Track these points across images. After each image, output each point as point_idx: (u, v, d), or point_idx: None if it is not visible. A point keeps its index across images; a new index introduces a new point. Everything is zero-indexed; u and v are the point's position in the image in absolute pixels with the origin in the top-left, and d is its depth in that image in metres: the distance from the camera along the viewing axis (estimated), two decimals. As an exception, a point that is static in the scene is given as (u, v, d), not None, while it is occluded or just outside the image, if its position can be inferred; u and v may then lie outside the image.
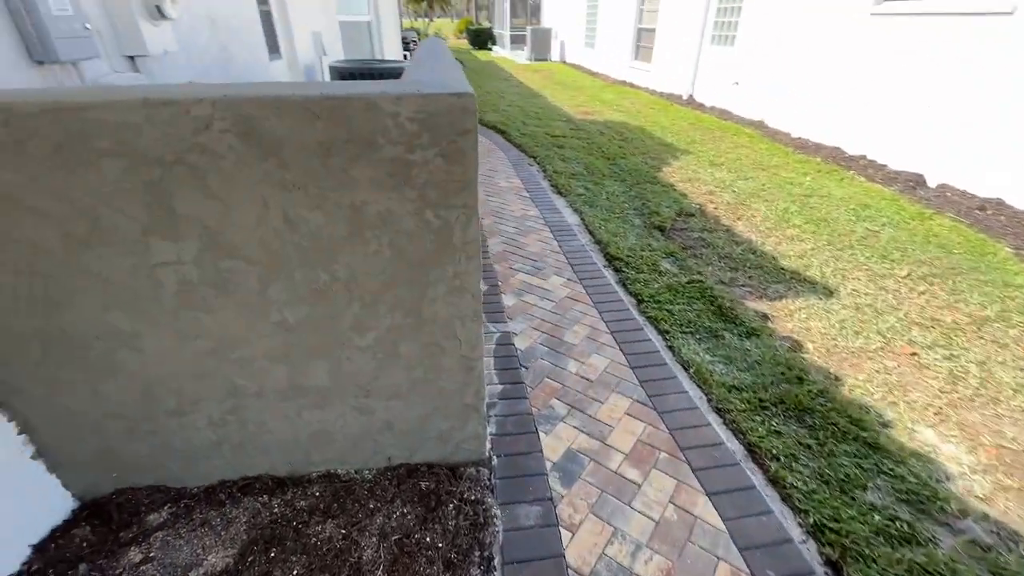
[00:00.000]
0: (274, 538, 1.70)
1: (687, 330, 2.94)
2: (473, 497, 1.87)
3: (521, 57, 20.29)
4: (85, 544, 1.67)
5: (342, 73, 5.56)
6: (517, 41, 22.13)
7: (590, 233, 4.30)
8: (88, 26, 1.91)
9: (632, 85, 13.13)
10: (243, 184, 1.32)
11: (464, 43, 29.61)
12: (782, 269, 3.76)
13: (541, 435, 2.17)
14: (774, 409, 2.35)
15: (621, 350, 2.72)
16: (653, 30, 12.20)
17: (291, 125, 1.26)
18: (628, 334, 2.86)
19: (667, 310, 3.12)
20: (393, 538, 1.70)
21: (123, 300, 1.44)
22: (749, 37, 8.79)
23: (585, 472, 2.00)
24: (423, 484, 1.90)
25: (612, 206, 4.91)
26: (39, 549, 1.63)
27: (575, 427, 2.22)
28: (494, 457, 2.05)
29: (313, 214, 1.39)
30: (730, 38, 9.32)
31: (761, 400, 2.39)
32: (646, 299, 3.23)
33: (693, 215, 4.79)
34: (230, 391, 1.67)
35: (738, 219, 4.72)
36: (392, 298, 1.57)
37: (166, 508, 1.80)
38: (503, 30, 23.82)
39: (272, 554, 1.66)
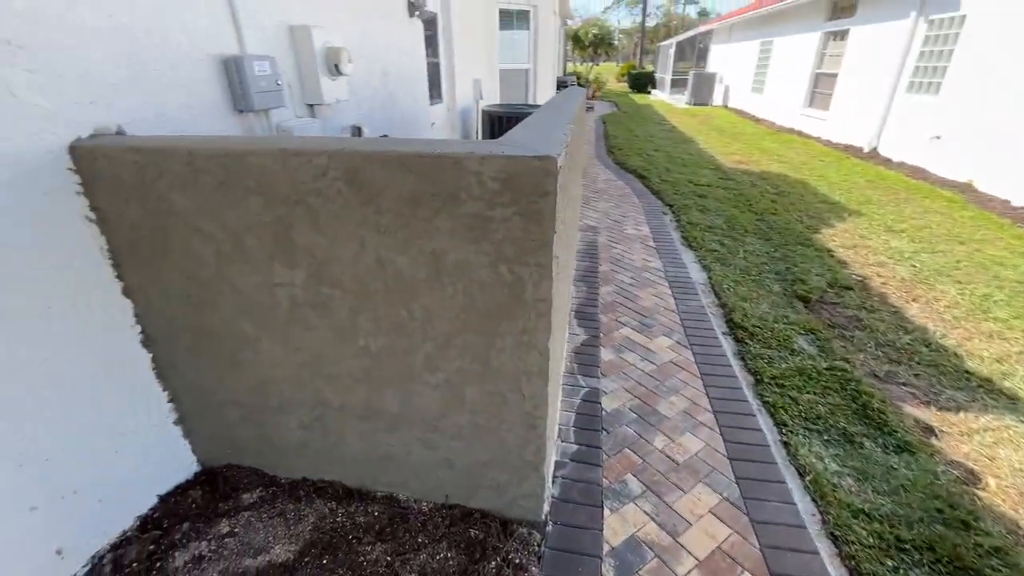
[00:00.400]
0: (330, 546, 1.82)
1: (813, 427, 2.48)
2: (518, 560, 1.78)
3: (680, 101, 19.85)
4: (194, 506, 1.98)
5: (492, 116, 6.06)
6: (678, 85, 21.74)
7: (715, 294, 3.93)
8: (280, 82, 2.38)
9: (802, 134, 11.90)
10: (347, 224, 1.49)
11: (624, 86, 30.06)
12: (967, 373, 2.98)
13: (606, 511, 1.99)
14: (916, 555, 1.83)
15: (721, 435, 2.40)
16: (834, 75, 10.97)
17: (388, 177, 1.39)
18: (734, 417, 2.51)
19: (791, 397, 2.67)
20: (429, 581, 1.69)
21: (250, 309, 1.72)
22: (960, 83, 7.37)
23: (645, 569, 1.77)
24: (472, 532, 1.87)
25: (748, 267, 4.44)
26: (163, 499, 1.98)
27: (646, 512, 1.99)
28: (550, 522, 1.93)
29: (400, 257, 1.50)
30: (934, 85, 7.93)
31: (899, 539, 1.89)
32: (766, 380, 2.82)
33: (851, 288, 4.08)
34: (319, 401, 1.86)
35: (913, 300, 3.90)
36: (462, 342, 1.60)
37: (258, 491, 2.05)
38: (665, 74, 23.64)
39: (325, 561, 1.77)
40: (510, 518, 1.91)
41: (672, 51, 22.46)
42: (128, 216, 1.63)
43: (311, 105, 2.80)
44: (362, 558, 1.78)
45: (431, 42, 5.28)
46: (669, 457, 2.27)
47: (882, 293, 4.01)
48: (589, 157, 9.12)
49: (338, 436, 1.93)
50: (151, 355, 1.89)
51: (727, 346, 3.20)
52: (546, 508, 1.95)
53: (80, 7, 1.55)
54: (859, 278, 4.29)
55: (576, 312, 3.52)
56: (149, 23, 1.80)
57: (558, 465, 2.19)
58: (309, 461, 2.05)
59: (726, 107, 18.09)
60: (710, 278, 4.20)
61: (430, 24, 5.22)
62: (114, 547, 1.79)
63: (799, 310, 3.70)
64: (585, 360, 2.95)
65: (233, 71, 2.14)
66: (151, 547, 1.81)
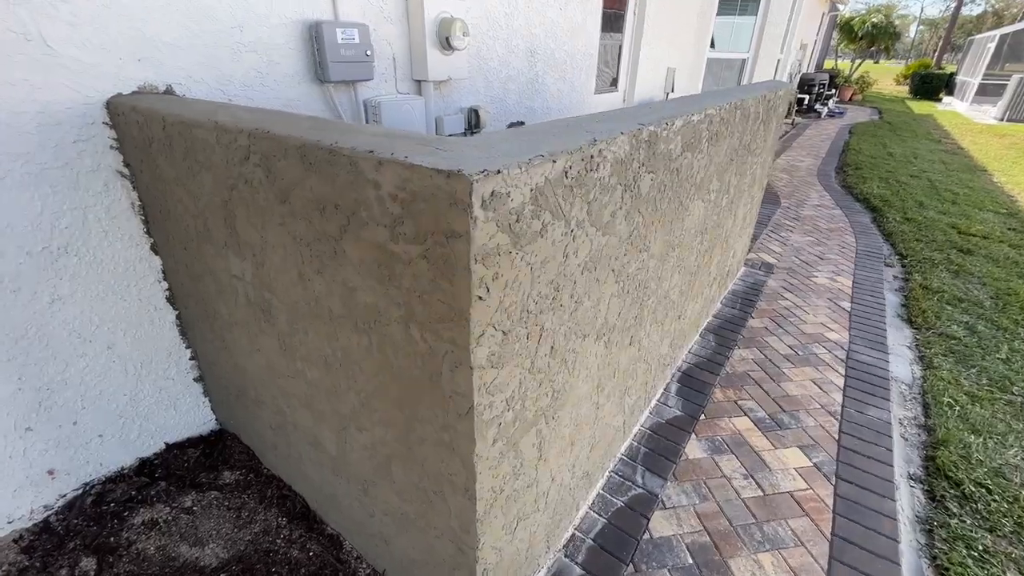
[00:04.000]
0: (251, 572, 1.63)
1: None
2: None
3: (985, 115, 14.71)
4: (184, 465, 2.01)
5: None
6: (987, 93, 16.12)
7: (923, 407, 2.58)
8: (369, 53, 2.20)
9: None
10: (271, 222, 1.17)
11: (903, 90, 23.76)
12: None
13: None
14: None
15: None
16: None
17: (292, 171, 1.02)
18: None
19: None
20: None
21: (222, 293, 1.57)
22: None
23: None
24: (388, 634, 1.46)
25: (1008, 377, 2.83)
26: (168, 448, 2.06)
27: None
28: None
29: (316, 277, 1.13)
30: None
31: None
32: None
33: None
34: (277, 409, 1.65)
35: None
36: (383, 409, 1.17)
37: (239, 473, 1.99)
38: (971, 77, 17.77)
39: (237, 586, 1.59)
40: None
41: (992, 46, 16.63)
42: (145, 175, 1.61)
43: (419, 81, 2.59)
44: (268, 603, 1.54)
45: (614, 22, 4.66)
46: (711, 656, 1.46)
47: None
48: (806, 172, 7.28)
49: (297, 453, 1.71)
50: (176, 312, 1.94)
51: (905, 500, 2.02)
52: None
53: (138, -39, 1.54)
54: None
55: (683, 374, 2.68)
56: (220, -19, 1.75)
57: (542, 589, 1.60)
58: (280, 464, 1.89)
59: (1067, 128, 12.66)
60: (925, 379, 2.79)
61: (616, 2, 4.59)
62: (109, 479, 1.91)
63: (1089, 482, 2.16)
64: (659, 447, 2.18)
65: (312, 39, 2.01)
66: (133, 492, 1.89)
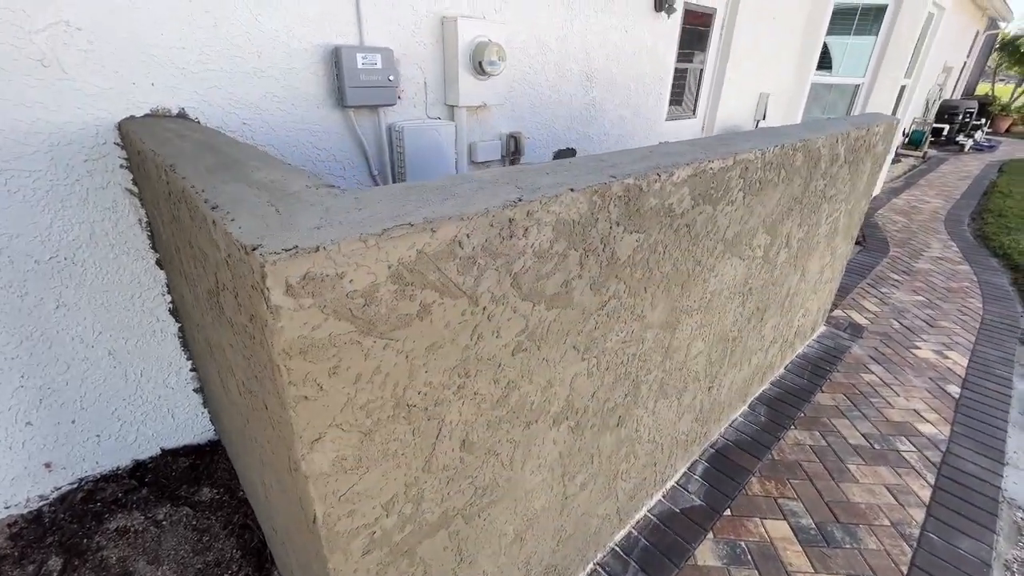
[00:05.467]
0: (189, 605, 1.58)
1: None
2: None
3: None
4: (172, 474, 2.05)
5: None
6: None
7: (1047, 548, 1.94)
8: (392, 78, 2.15)
9: None
10: (189, 263, 1.10)
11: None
12: None
13: None
14: None
15: None
16: None
17: (185, 217, 0.93)
18: None
19: None
20: None
21: (193, 312, 1.56)
22: None
23: None
24: None
25: None
26: (163, 453, 2.12)
27: None
28: None
29: (209, 327, 1.03)
30: None
31: None
32: None
33: None
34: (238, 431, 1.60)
35: None
36: (276, 469, 1.03)
37: (217, 491, 1.98)
38: None
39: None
40: None
41: None
42: (146, 192, 1.66)
43: (451, 106, 2.50)
44: (191, 647, 1.47)
45: (696, 41, 4.28)
46: None
47: None
48: (930, 216, 6.19)
49: (254, 485, 1.65)
50: (179, 325, 1.99)
51: None
52: None
53: (157, -7, 1.60)
54: None
55: (715, 453, 2.27)
56: (236, 11, 1.78)
57: None
58: (249, 490, 1.85)
59: None
60: (1055, 508, 2.11)
61: (700, 20, 4.22)
62: (102, 478, 2.00)
63: None
64: (663, 543, 1.83)
65: (332, 64, 2.00)
66: (120, 494, 1.95)
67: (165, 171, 1.03)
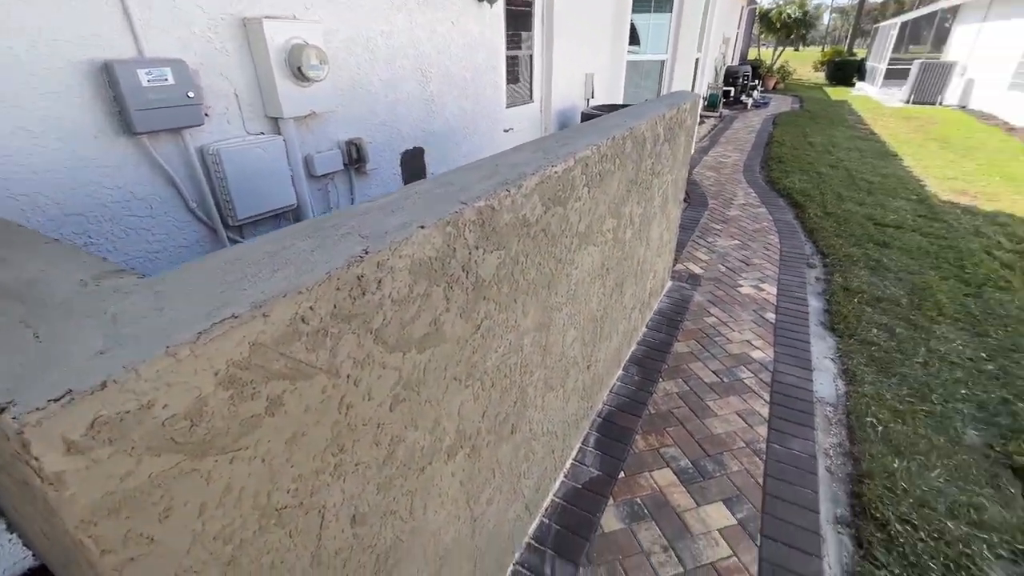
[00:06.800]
0: None
1: None
2: None
3: (892, 98, 15.65)
4: None
5: (589, 118, 4.99)
6: (894, 76, 17.18)
7: (848, 431, 2.48)
8: (191, 95, 1.82)
9: (1087, 154, 8.17)
10: None
11: (820, 77, 25.06)
12: None
13: None
14: None
15: None
16: None
17: None
18: None
19: None
20: None
21: None
22: None
23: None
24: None
25: (929, 384, 2.79)
26: None
27: None
28: None
29: None
30: None
31: None
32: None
33: None
34: None
35: None
36: None
37: None
38: (878, 62, 18.90)
39: None
40: None
41: (894, 32, 17.73)
42: None
43: (275, 119, 2.23)
44: None
45: (524, 28, 4.42)
46: None
47: None
48: (732, 169, 7.36)
49: None
50: None
51: (833, 553, 1.87)
52: None
53: None
54: None
55: (603, 421, 2.46)
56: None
57: None
58: None
59: (963, 108, 13.66)
60: (848, 397, 2.70)
61: (520, 11, 4.35)
62: None
63: (1010, 497, 2.10)
64: (572, 522, 1.94)
65: (105, 83, 1.63)
66: None
67: None
